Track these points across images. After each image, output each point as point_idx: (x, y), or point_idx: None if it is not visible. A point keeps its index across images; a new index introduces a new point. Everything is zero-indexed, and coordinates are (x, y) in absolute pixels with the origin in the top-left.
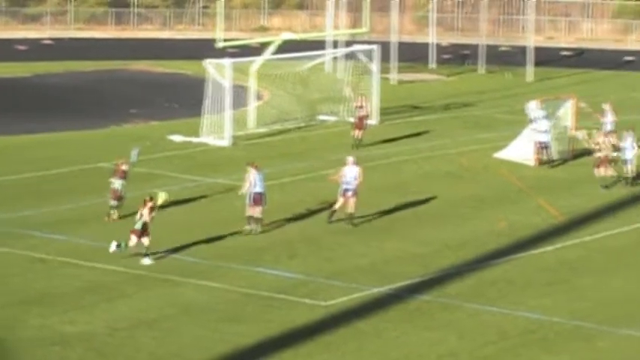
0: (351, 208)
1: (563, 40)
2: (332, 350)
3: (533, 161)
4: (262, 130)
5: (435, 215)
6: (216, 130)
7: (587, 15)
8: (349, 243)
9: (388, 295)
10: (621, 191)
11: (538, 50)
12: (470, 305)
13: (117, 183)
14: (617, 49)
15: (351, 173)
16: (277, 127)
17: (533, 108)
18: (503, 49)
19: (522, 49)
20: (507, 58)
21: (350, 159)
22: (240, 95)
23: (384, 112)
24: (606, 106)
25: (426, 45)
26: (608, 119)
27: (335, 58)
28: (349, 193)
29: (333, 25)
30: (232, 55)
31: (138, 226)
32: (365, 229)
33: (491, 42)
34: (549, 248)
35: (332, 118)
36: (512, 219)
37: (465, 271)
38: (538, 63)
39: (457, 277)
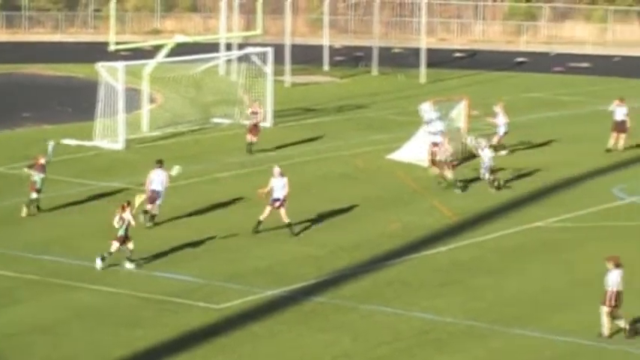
0: (284, 217)
1: (456, 42)
2: (227, 352)
3: (427, 162)
4: (156, 133)
5: (329, 217)
6: (109, 134)
7: (479, 17)
8: (247, 246)
9: (283, 297)
10: (514, 192)
11: (431, 52)
12: (364, 306)
13: (36, 176)
14: (508, 50)
15: (278, 184)
16: (171, 130)
17: (427, 109)
18: (396, 50)
19: (415, 51)
20: (400, 60)
21: (276, 170)
22: (133, 98)
23: (278, 114)
24: (497, 108)
25: (319, 47)
26: (501, 121)
27: (229, 61)
28: (277, 204)
29: (226, 28)
30: (125, 58)
31: (121, 232)
32: (262, 231)
33: (385, 44)
34: (443, 249)
35: (226, 121)
36: (406, 220)
37: (360, 272)
38: (431, 64)
39: (351, 279)
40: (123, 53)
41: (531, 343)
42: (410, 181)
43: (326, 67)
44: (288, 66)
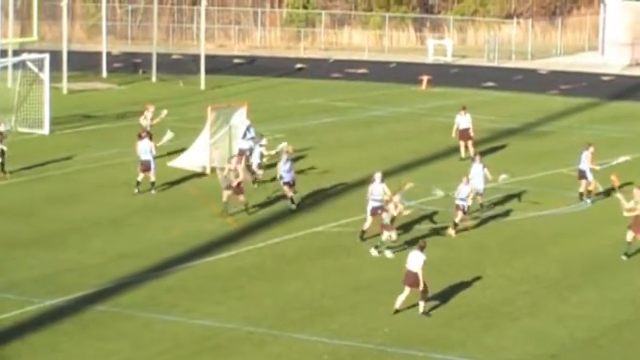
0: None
1: (235, 48)
2: None
3: (208, 169)
4: None
5: (110, 224)
6: None
7: (258, 23)
8: (19, 256)
9: (63, 306)
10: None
11: (210, 58)
12: (145, 314)
13: None
14: (288, 56)
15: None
16: None
17: (238, 116)
18: (175, 57)
19: (195, 57)
20: (180, 67)
21: (376, 175)
22: None
23: (56, 121)
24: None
25: (97, 54)
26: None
27: (4, 68)
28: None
29: (1, 34)
30: None
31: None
32: (35, 240)
33: (164, 50)
34: (224, 255)
35: (2, 129)
36: (187, 227)
37: (141, 280)
38: (210, 71)
39: (132, 287)
40: None
41: (311, 347)
42: (191, 188)
43: (104, 74)
44: (65, 72)
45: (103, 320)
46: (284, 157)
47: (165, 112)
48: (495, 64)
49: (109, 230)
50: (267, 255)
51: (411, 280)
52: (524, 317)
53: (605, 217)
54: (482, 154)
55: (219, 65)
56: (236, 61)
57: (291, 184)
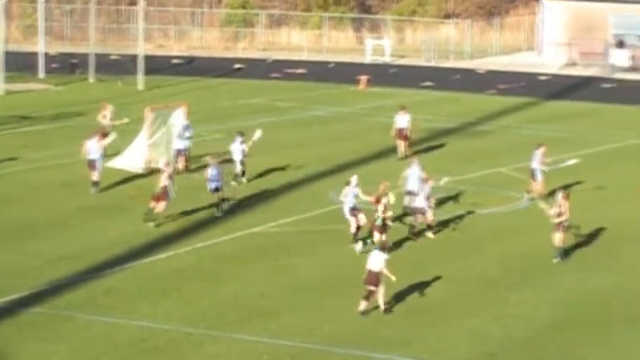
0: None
1: (174, 49)
2: None
3: (142, 169)
4: None
5: (48, 226)
6: None
7: (196, 23)
8: None
9: None
10: (232, 198)
11: (149, 59)
12: (83, 316)
13: None
14: (226, 56)
15: (351, 191)
16: None
17: (176, 116)
18: (113, 57)
19: (133, 58)
20: (118, 67)
21: (352, 179)
22: None
23: None
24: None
25: (34, 54)
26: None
27: None
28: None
29: None
30: None
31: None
32: None
33: (102, 50)
34: (162, 256)
35: None
36: (125, 228)
37: (78, 281)
38: (149, 71)
39: (71, 288)
40: None
41: (250, 347)
42: (129, 189)
43: (41, 75)
44: (1, 73)
45: (40, 322)
46: (212, 162)
47: (258, 133)
48: (433, 64)
49: (47, 232)
50: (205, 256)
51: (372, 279)
52: (465, 317)
53: (543, 217)
54: (420, 153)
55: (157, 65)
56: (175, 61)
57: (218, 190)
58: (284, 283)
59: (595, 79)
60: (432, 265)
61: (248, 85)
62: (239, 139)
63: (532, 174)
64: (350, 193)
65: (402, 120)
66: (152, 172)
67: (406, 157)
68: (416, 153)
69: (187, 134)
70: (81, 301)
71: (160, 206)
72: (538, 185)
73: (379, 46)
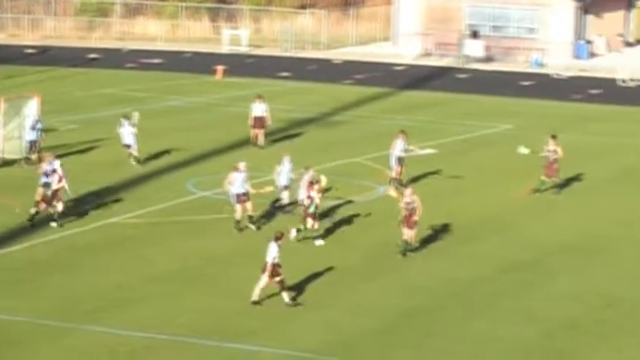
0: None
1: (27, 38)
2: None
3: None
4: None
5: None
6: None
7: (50, 12)
8: None
9: None
10: (89, 188)
11: (2, 48)
12: None
13: None
14: (81, 46)
15: (240, 177)
16: None
17: (30, 107)
18: None
19: None
20: None
21: (241, 165)
22: None
23: None
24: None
25: None
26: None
27: None
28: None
29: None
30: None
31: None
32: None
33: None
34: (16, 247)
35: None
36: None
37: None
38: (2, 61)
39: None
40: None
41: (106, 339)
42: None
43: None
44: None
45: None
46: (47, 159)
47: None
48: (290, 54)
49: None
50: (61, 247)
51: (272, 270)
52: (321, 308)
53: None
54: (277, 142)
55: (10, 55)
56: (28, 51)
57: (48, 185)
58: (140, 274)
59: (450, 69)
60: (294, 256)
61: (103, 75)
62: (125, 122)
63: (398, 162)
64: (237, 180)
65: (258, 109)
66: (5, 164)
67: (261, 146)
68: (274, 142)
69: (38, 126)
70: None
71: (59, 206)
72: (395, 172)
73: (236, 36)
